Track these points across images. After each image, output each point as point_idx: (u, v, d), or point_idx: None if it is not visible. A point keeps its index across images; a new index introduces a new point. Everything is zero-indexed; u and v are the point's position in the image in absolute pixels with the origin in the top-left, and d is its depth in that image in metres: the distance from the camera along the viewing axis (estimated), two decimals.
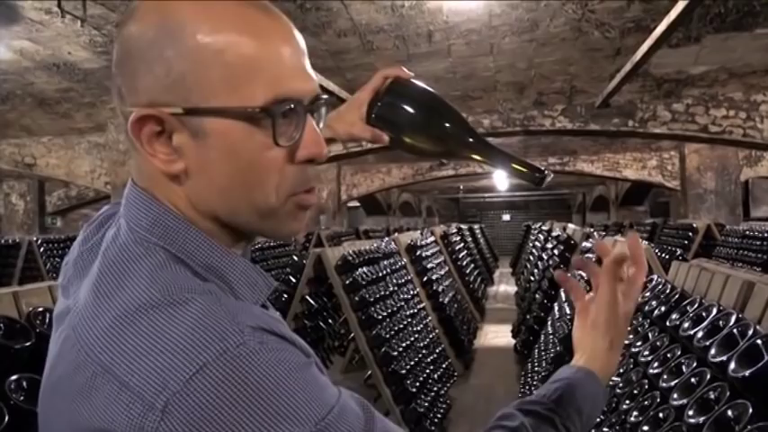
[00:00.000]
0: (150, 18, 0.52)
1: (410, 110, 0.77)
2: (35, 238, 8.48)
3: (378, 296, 4.21)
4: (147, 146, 0.53)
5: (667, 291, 1.99)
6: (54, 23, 4.30)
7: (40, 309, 1.54)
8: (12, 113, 6.78)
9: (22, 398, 1.33)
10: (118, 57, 0.54)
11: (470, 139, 0.77)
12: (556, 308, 4.31)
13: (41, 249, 8.25)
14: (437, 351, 5.08)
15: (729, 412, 1.17)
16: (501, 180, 15.09)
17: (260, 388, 0.44)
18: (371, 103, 0.78)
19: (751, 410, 1.11)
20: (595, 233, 5.14)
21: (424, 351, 4.67)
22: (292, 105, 0.53)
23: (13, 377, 1.35)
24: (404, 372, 3.96)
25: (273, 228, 0.57)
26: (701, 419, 1.23)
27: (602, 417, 2.11)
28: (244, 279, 0.55)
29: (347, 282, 3.98)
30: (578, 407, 0.72)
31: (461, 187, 19.35)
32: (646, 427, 1.52)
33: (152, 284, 0.48)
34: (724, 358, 1.24)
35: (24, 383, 1.36)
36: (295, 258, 4.79)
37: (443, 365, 5.09)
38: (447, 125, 0.77)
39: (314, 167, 0.58)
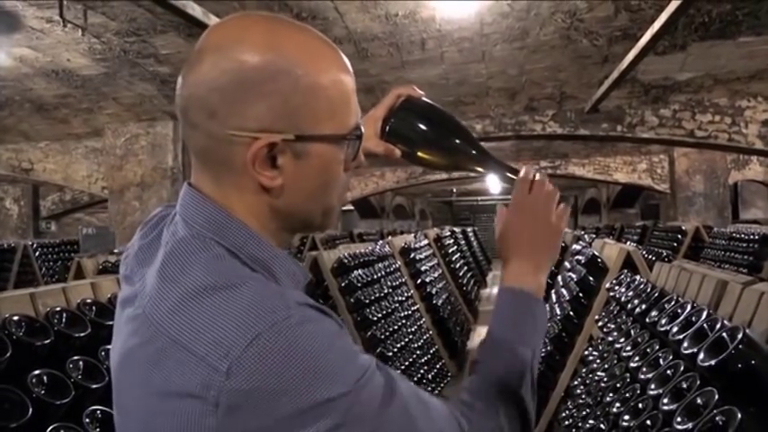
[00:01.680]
0: (265, 56, 0.59)
1: (422, 126, 0.85)
2: (30, 243, 8.50)
3: (373, 298, 4.30)
4: (258, 167, 0.61)
5: (648, 290, 2.10)
6: (55, 32, 4.38)
7: (58, 308, 1.63)
8: (9, 119, 6.84)
9: (43, 392, 1.42)
10: (218, 82, 0.59)
11: (477, 155, 0.85)
12: (547, 309, 4.42)
13: (37, 254, 8.28)
14: (431, 352, 5.18)
15: (699, 399, 1.27)
16: (494, 183, 15.22)
17: (305, 353, 0.53)
18: (385, 119, 0.86)
19: (716, 396, 1.21)
20: (586, 235, 5.25)
21: (418, 352, 4.77)
22: (362, 129, 0.67)
23: (35, 372, 1.43)
24: (399, 372, 4.05)
25: (329, 222, 0.70)
26: (674, 407, 1.34)
27: (587, 410, 2.22)
28: (284, 269, 0.65)
29: (343, 284, 4.07)
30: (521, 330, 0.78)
31: (454, 190, 19.48)
32: (627, 417, 1.62)
33: (210, 272, 0.58)
34: (694, 350, 1.34)
35: (45, 378, 1.45)
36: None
37: (437, 366, 5.19)
38: (456, 141, 0.85)
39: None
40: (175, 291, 0.58)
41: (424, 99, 0.87)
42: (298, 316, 0.55)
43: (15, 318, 1.49)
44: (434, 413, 0.64)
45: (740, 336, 1.20)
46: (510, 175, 0.88)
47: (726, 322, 1.36)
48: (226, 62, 0.59)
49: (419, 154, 0.86)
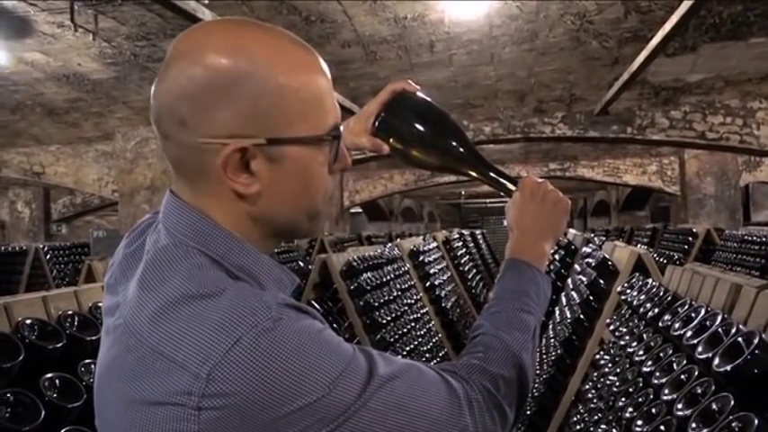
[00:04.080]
0: (227, 56, 0.58)
1: (413, 123, 0.81)
2: (42, 246, 8.57)
3: (382, 301, 4.29)
4: (231, 173, 0.59)
5: (661, 293, 2.08)
6: (66, 36, 4.42)
7: (70, 312, 1.64)
8: (21, 123, 6.90)
9: (55, 395, 1.42)
10: (185, 90, 0.58)
11: (470, 157, 0.83)
12: (557, 312, 4.39)
13: (48, 256, 8.35)
14: (440, 355, 5.16)
15: (714, 405, 1.26)
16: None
17: (287, 354, 0.53)
18: (377, 114, 0.83)
19: (732, 402, 1.20)
20: (596, 238, 5.22)
21: (427, 355, 4.75)
22: (340, 129, 0.65)
23: (47, 375, 1.44)
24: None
25: (316, 227, 0.68)
26: (689, 412, 1.32)
27: (599, 414, 2.20)
28: (270, 276, 0.63)
29: (352, 287, 4.06)
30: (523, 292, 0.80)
31: (463, 193, 19.45)
32: (640, 422, 1.60)
33: (190, 281, 0.57)
34: (709, 355, 1.33)
35: (57, 381, 1.45)
36: (300, 264, 4.88)
37: None
38: (447, 140, 0.82)
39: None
40: (155, 300, 0.57)
41: (419, 95, 0.83)
42: (278, 317, 0.55)
43: (28, 321, 1.50)
44: (426, 386, 0.62)
45: (756, 340, 1.19)
46: (505, 182, 0.86)
47: (741, 327, 1.34)
48: (192, 68, 0.58)
49: (407, 151, 0.83)
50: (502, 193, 0.88)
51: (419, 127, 0.81)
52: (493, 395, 0.68)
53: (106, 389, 0.60)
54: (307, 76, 0.61)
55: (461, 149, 0.83)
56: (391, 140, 0.83)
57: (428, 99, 0.84)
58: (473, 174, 0.85)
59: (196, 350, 0.52)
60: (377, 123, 0.82)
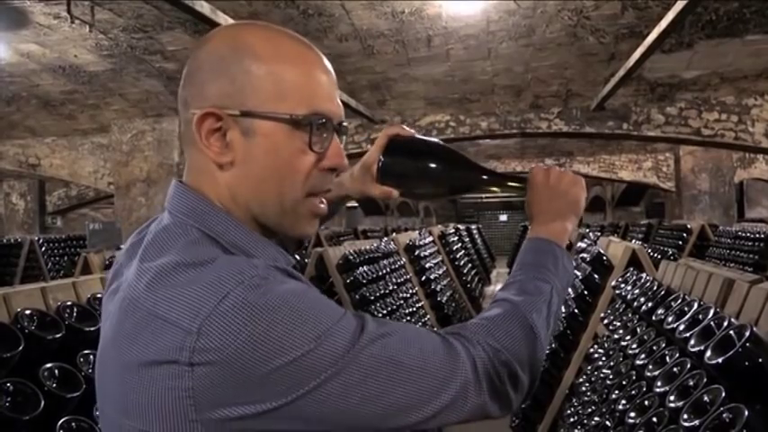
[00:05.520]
0: (223, 41, 0.66)
1: (415, 161, 0.84)
2: (37, 238, 8.56)
3: (378, 295, 4.31)
4: (204, 138, 0.64)
5: (654, 288, 2.10)
6: (62, 28, 4.40)
7: (69, 303, 1.65)
8: (16, 115, 6.87)
9: (54, 385, 1.44)
10: (188, 71, 0.67)
11: (476, 175, 0.85)
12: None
13: (43, 249, 8.34)
14: None
15: (705, 397, 1.28)
16: None
17: (274, 307, 0.55)
18: (380, 161, 0.85)
19: (724, 394, 1.22)
20: (591, 233, 5.24)
21: None
22: (324, 120, 0.66)
23: (47, 365, 1.45)
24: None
25: (291, 224, 0.68)
26: (681, 404, 1.34)
27: (593, 407, 2.22)
28: (266, 254, 0.66)
29: (348, 280, 4.08)
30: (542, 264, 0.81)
31: None
32: (632, 414, 1.63)
33: (185, 253, 0.60)
34: (701, 347, 1.35)
35: (56, 372, 1.46)
36: (297, 257, 4.88)
37: None
38: (452, 169, 0.84)
39: (333, 176, 0.71)
40: (151, 269, 0.60)
41: (414, 136, 0.87)
42: (265, 275, 0.57)
43: (27, 312, 1.51)
44: (422, 343, 0.63)
45: (747, 334, 1.20)
46: (516, 184, 0.88)
47: (733, 320, 1.36)
48: (195, 55, 0.67)
49: (416, 189, 0.86)
50: (518, 196, 0.89)
51: (422, 164, 0.84)
52: (499, 352, 0.68)
53: (105, 362, 0.63)
54: (294, 63, 0.65)
55: (467, 173, 0.85)
56: (399, 184, 0.85)
57: (424, 137, 0.87)
58: (486, 189, 0.87)
59: (188, 308, 0.55)
60: (381, 168, 0.84)
